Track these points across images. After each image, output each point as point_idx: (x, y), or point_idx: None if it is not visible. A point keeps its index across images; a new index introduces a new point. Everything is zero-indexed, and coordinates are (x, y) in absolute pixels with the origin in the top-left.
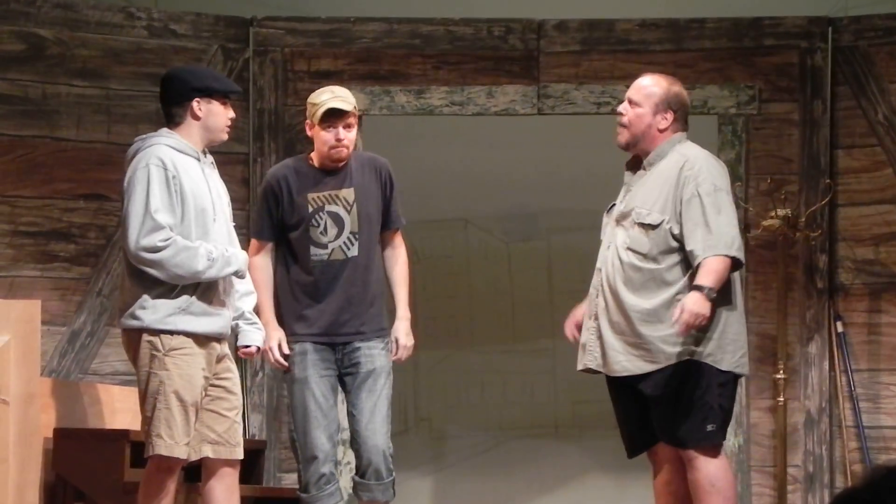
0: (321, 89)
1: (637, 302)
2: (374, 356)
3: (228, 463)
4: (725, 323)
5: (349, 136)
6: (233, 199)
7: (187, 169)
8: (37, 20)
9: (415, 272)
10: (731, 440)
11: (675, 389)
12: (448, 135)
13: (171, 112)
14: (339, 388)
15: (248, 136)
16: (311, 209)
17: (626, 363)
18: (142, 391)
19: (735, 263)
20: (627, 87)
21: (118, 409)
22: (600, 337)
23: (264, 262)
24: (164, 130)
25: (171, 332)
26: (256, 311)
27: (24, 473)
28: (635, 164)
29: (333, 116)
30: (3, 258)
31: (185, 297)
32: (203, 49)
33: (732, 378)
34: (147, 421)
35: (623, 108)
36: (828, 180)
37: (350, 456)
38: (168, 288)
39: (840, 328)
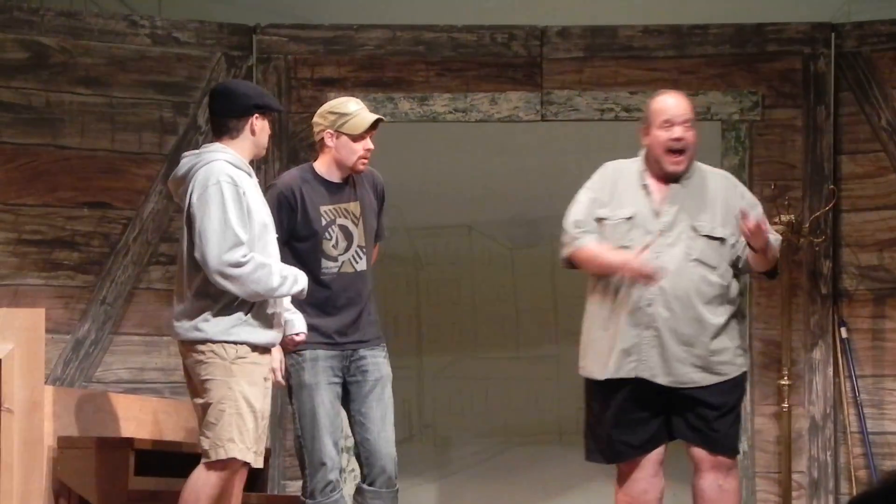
0: (342, 99)
1: (710, 315)
2: (380, 364)
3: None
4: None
5: (372, 146)
6: None
7: (247, 186)
8: (40, 28)
9: (418, 279)
10: None
11: (735, 399)
12: (451, 141)
13: (227, 125)
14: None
15: None
16: (324, 222)
17: (695, 375)
18: (203, 401)
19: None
20: (630, 93)
21: (122, 418)
22: (660, 346)
23: None
24: (219, 145)
25: (235, 343)
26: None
27: (27, 482)
28: (657, 177)
29: (374, 128)
30: (7, 266)
31: (243, 311)
32: (206, 57)
33: None
34: (210, 427)
35: (682, 132)
36: (831, 186)
37: (353, 464)
38: (228, 302)
39: (844, 334)
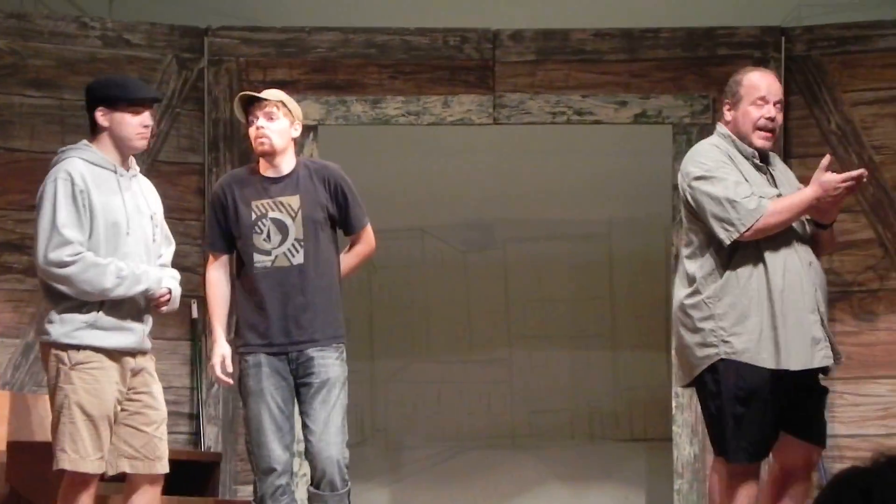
0: None
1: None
2: (328, 365)
3: (149, 478)
4: None
5: (270, 126)
6: (188, 210)
7: (99, 182)
8: None
9: (371, 282)
10: (688, 449)
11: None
12: (404, 144)
13: (89, 121)
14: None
15: (203, 146)
16: (253, 216)
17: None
18: (51, 406)
19: None
20: (582, 96)
21: None
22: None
23: (217, 275)
24: (83, 142)
25: (78, 347)
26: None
27: None
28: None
29: (247, 109)
30: None
31: (93, 312)
32: (157, 59)
33: None
34: (53, 435)
35: (775, 112)
36: None
37: (306, 467)
38: (77, 303)
39: None
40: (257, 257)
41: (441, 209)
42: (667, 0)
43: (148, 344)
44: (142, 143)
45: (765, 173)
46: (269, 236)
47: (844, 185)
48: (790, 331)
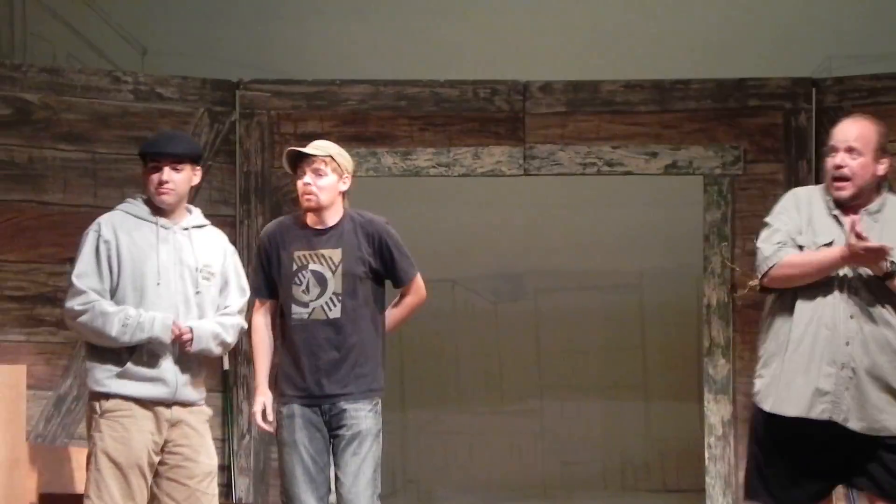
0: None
1: None
2: (360, 418)
3: None
4: None
5: (319, 182)
6: None
7: (134, 233)
8: (23, 85)
9: (402, 333)
10: (720, 500)
11: None
12: (435, 196)
13: None
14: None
15: (235, 198)
16: (295, 267)
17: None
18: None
19: None
20: (613, 147)
21: None
22: (856, 389)
23: (260, 322)
24: (137, 195)
25: (108, 396)
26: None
27: None
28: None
29: (296, 162)
30: None
31: (123, 361)
32: (190, 112)
33: None
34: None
35: (842, 158)
36: None
37: None
38: (109, 352)
39: None
40: (295, 308)
41: (472, 260)
42: (696, 52)
43: (187, 395)
44: (162, 198)
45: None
46: (307, 288)
47: (855, 252)
48: (794, 377)
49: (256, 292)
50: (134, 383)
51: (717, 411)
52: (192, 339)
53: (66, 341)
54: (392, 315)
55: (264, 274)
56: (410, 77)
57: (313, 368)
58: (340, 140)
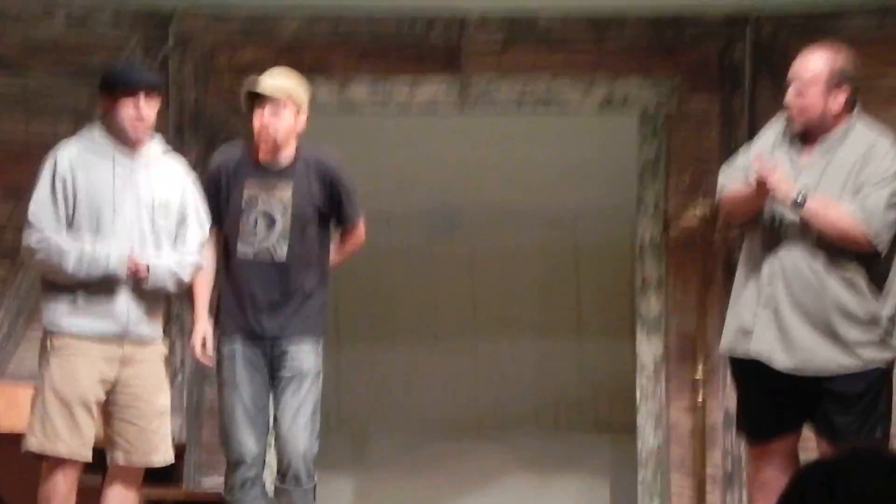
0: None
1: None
2: (302, 359)
3: (131, 469)
4: None
5: (276, 123)
6: None
7: (90, 167)
8: None
9: (336, 270)
10: (651, 440)
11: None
12: (371, 131)
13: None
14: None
15: (168, 130)
16: (244, 203)
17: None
18: None
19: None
20: (548, 82)
21: None
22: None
23: (204, 252)
24: (95, 124)
25: (59, 334)
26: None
27: None
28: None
29: (253, 97)
30: None
31: (74, 297)
32: (122, 43)
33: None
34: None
35: (792, 94)
36: None
37: (273, 457)
38: (58, 290)
39: None
40: (241, 247)
41: (407, 197)
42: None
43: (141, 331)
44: (136, 132)
45: (794, 157)
46: (255, 227)
47: (759, 183)
48: (730, 318)
49: None
50: (85, 320)
51: (648, 350)
52: (147, 276)
53: None
54: (332, 254)
55: (211, 203)
56: (348, 7)
57: (256, 308)
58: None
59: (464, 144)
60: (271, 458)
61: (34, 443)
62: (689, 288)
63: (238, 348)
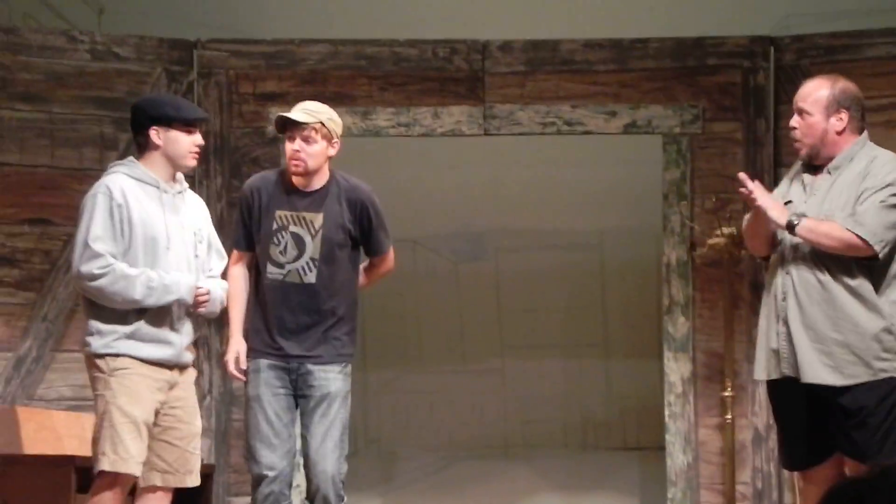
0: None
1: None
2: (330, 379)
3: (164, 488)
4: None
5: (308, 149)
6: None
7: (141, 198)
8: None
9: (363, 293)
10: (680, 458)
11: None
12: (395, 156)
13: (136, 141)
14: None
15: None
16: (275, 226)
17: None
18: (95, 416)
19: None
20: (572, 106)
21: (64, 435)
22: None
23: (238, 273)
24: (129, 159)
25: (116, 356)
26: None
27: None
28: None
29: (286, 125)
30: None
31: (131, 323)
32: (147, 72)
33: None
34: (95, 442)
35: (794, 119)
36: None
37: (302, 479)
38: (116, 314)
39: None
40: (270, 268)
41: (432, 221)
42: (655, 10)
43: (186, 357)
44: (192, 162)
45: (807, 181)
46: (285, 250)
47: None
48: (759, 343)
49: (235, 244)
50: (143, 345)
51: (676, 369)
52: (208, 300)
53: (26, 303)
54: (360, 278)
55: (244, 228)
56: (370, 36)
57: (283, 329)
58: (299, 100)
59: (489, 168)
60: (301, 480)
61: (106, 462)
62: (716, 307)
63: (263, 364)
